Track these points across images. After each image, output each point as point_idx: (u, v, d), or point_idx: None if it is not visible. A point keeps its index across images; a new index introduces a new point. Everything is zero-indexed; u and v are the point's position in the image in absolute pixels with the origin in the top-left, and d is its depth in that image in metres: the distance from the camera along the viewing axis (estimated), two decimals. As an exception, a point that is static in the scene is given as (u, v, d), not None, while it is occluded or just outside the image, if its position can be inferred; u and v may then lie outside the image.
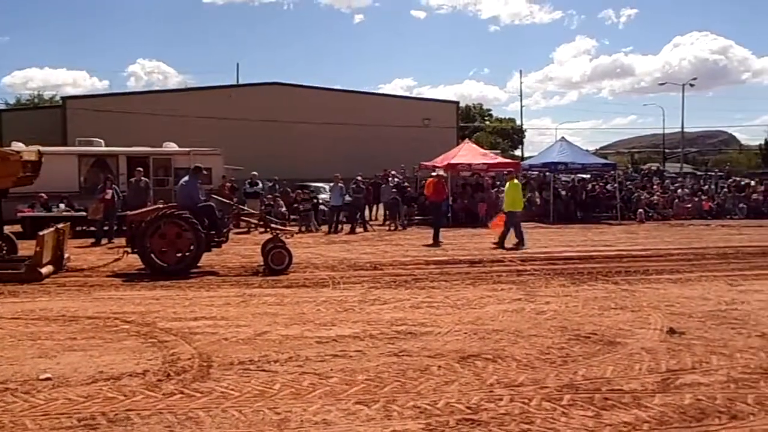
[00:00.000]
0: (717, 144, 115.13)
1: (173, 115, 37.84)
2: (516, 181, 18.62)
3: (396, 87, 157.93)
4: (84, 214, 19.33)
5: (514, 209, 17.60)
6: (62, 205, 20.23)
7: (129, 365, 6.39)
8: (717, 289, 10.71)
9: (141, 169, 20.47)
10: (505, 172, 20.79)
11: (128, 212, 14.74)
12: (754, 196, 30.31)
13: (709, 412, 5.16)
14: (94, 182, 21.05)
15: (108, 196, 18.32)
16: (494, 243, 17.03)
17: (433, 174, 20.40)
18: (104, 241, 18.01)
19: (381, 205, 25.45)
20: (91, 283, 11.43)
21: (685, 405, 5.30)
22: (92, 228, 18.96)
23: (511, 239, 17.05)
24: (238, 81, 56.58)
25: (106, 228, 18.36)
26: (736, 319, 8.47)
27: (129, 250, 12.90)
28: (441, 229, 18.64)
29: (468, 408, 5.24)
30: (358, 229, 21.91)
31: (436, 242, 17.97)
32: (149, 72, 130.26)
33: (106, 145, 24.45)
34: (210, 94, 44.63)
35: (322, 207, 24.02)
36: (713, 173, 45.94)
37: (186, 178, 13.69)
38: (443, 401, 5.38)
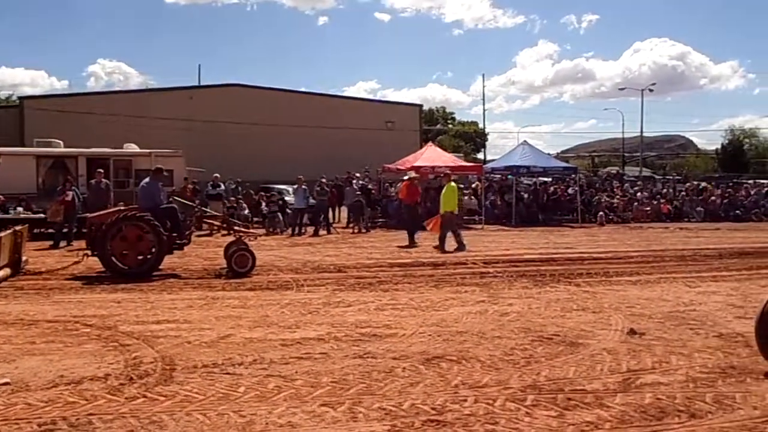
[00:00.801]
0: (675, 148, 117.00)
1: (134, 116, 37.41)
2: (453, 184, 18.29)
3: (360, 89, 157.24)
4: (42, 216, 19.00)
5: (450, 210, 17.40)
6: (20, 208, 19.83)
7: (90, 369, 6.29)
8: (676, 291, 10.91)
9: (101, 170, 20.19)
10: (442, 175, 20.50)
11: (88, 214, 14.54)
12: (711, 199, 30.94)
13: (669, 411, 5.25)
14: (52, 184, 20.74)
15: (68, 198, 18.02)
16: (434, 247, 17.03)
17: (406, 177, 20.42)
18: (63, 243, 17.69)
19: (344, 208, 25.43)
20: (50, 286, 11.23)
21: (646, 404, 5.38)
22: (51, 230, 18.63)
23: (450, 242, 17.00)
24: (199, 82, 56.15)
25: (65, 230, 18.05)
26: (695, 319, 8.64)
27: (89, 252, 12.71)
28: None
29: (433, 409, 5.26)
30: (322, 232, 21.85)
31: (412, 243, 18.08)
32: (110, 72, 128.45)
33: (65, 146, 24.07)
34: (171, 95, 44.26)
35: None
36: (671, 177, 46.75)
37: (147, 179, 13.55)
38: (408, 403, 5.40)
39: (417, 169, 23.76)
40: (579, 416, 5.13)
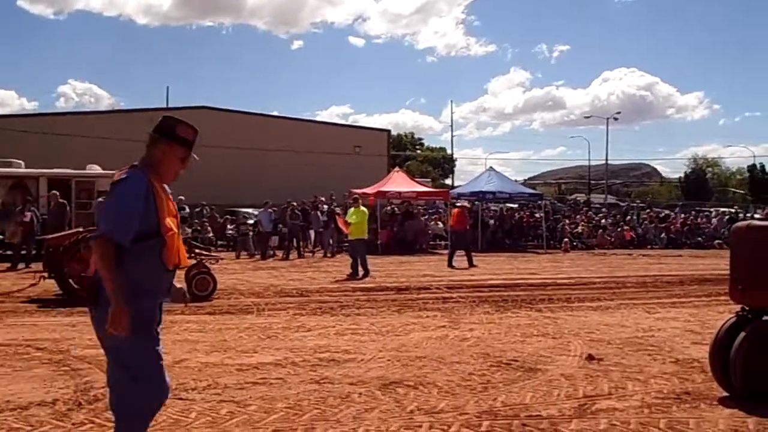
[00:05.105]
0: (640, 176, 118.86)
1: (97, 137, 36.95)
2: (363, 208, 18.03)
3: (332, 114, 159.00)
4: (0, 237, 18.65)
5: (360, 237, 17.21)
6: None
7: (38, 394, 6.13)
8: (635, 317, 10.98)
9: (56, 192, 19.74)
10: (351, 200, 20.60)
11: (46, 236, 14.30)
12: (674, 226, 31.38)
13: (623, 436, 5.24)
14: (12, 204, 20.37)
15: (27, 219, 17.73)
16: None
17: (458, 204, 21.19)
18: (21, 265, 17.39)
19: (311, 232, 25.39)
20: (4, 309, 10.99)
21: (600, 430, 5.37)
22: (8, 252, 18.29)
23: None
24: (167, 104, 55.76)
25: (23, 252, 17.74)
26: (652, 345, 8.67)
27: (46, 275, 12.47)
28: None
29: (387, 435, 5.20)
30: (292, 255, 21.86)
31: (471, 264, 19.28)
32: (81, 94, 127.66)
33: (28, 167, 23.70)
34: (137, 116, 43.71)
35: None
36: (635, 204, 47.38)
37: (101, 199, 13.39)
38: (362, 429, 5.33)
39: (376, 194, 23.79)
40: (533, 442, 5.10)
